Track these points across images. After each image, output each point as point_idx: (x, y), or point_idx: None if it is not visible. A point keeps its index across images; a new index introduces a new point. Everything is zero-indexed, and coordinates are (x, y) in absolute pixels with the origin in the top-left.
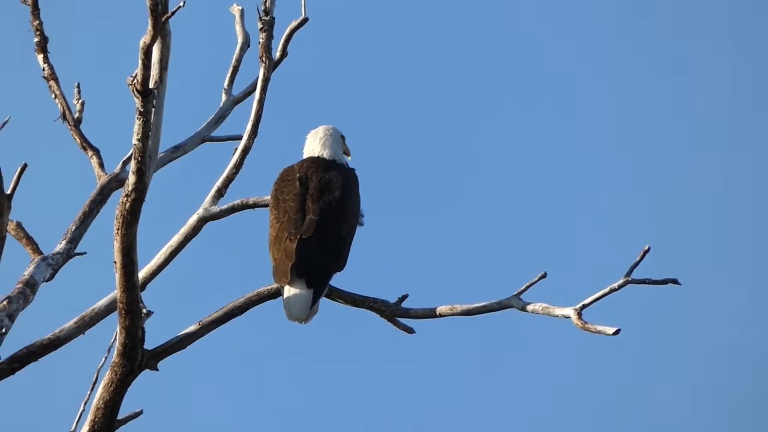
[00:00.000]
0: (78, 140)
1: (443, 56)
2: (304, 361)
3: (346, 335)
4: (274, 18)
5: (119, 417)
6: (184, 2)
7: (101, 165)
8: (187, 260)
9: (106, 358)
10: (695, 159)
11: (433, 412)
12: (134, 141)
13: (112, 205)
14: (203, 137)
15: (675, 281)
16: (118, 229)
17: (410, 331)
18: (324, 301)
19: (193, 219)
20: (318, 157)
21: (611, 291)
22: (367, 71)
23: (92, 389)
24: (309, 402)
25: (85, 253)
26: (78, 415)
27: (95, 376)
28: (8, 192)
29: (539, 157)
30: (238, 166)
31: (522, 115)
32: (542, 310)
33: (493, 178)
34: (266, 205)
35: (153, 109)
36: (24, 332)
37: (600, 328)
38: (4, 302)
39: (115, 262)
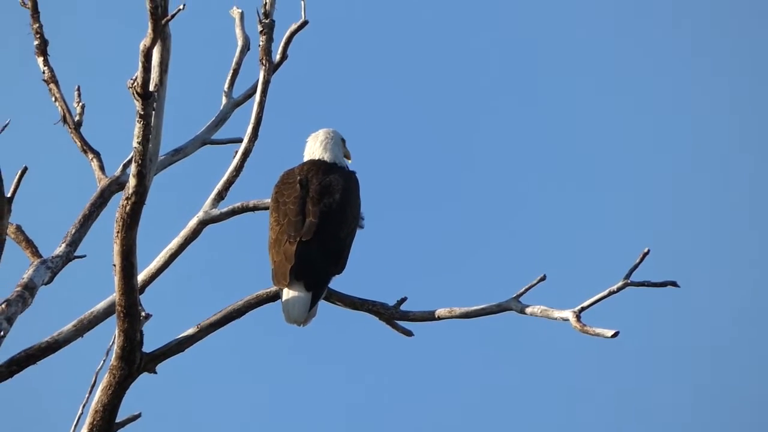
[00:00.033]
0: (78, 143)
1: (443, 56)
2: (302, 363)
3: (345, 338)
4: (274, 21)
5: (117, 420)
6: (184, 5)
7: (102, 168)
8: (186, 263)
9: (104, 361)
10: (695, 159)
11: (433, 415)
12: (134, 144)
13: (112, 208)
14: (204, 140)
15: (674, 284)
16: (117, 232)
17: (409, 333)
18: (323, 304)
19: (193, 222)
20: (318, 160)
21: (610, 293)
22: (367, 73)
23: (90, 392)
24: (308, 404)
25: (84, 256)
26: (76, 418)
27: (94, 379)
28: (8, 195)
29: (538, 158)
30: (239, 169)
31: (522, 115)
32: (541, 312)
33: (491, 180)
34: (266, 208)
35: (153, 112)
36: (23, 335)
37: (599, 330)
38: (3, 305)
39: (114, 265)
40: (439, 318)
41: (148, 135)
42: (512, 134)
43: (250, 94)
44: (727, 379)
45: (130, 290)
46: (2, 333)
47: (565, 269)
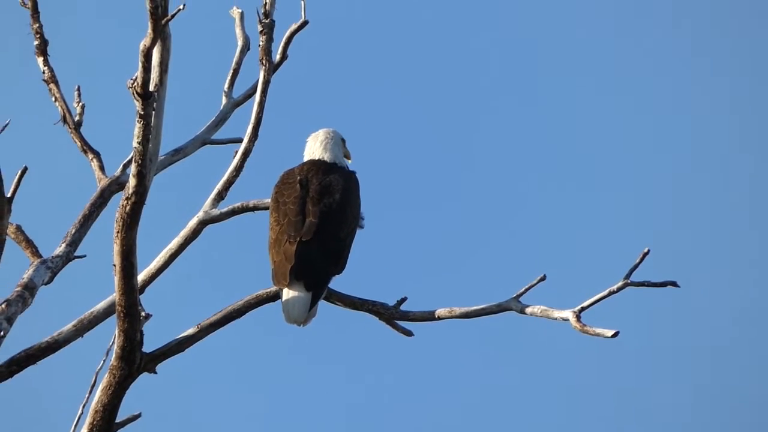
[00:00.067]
0: (78, 143)
1: (443, 57)
2: (302, 363)
3: (345, 338)
4: (274, 21)
5: (117, 420)
6: (184, 5)
7: (102, 168)
8: (186, 263)
9: (104, 361)
10: (695, 159)
11: (433, 415)
12: (135, 144)
13: (112, 208)
14: (204, 140)
15: (674, 284)
16: (117, 232)
17: (409, 333)
18: (323, 304)
19: (192, 222)
20: (319, 160)
21: (610, 293)
22: (367, 74)
23: (90, 392)
24: (308, 405)
25: (84, 256)
26: (76, 418)
27: (94, 379)
28: (8, 195)
29: (538, 158)
30: (239, 169)
31: (522, 115)
32: (541, 312)
33: (491, 180)
34: (266, 208)
35: (153, 112)
36: (23, 335)
37: (599, 330)
38: (3, 305)
39: (114, 265)
40: (439, 318)
41: (148, 135)
42: (512, 134)
43: (250, 94)
44: (727, 379)
45: (130, 290)
46: (2, 333)
47: (565, 269)
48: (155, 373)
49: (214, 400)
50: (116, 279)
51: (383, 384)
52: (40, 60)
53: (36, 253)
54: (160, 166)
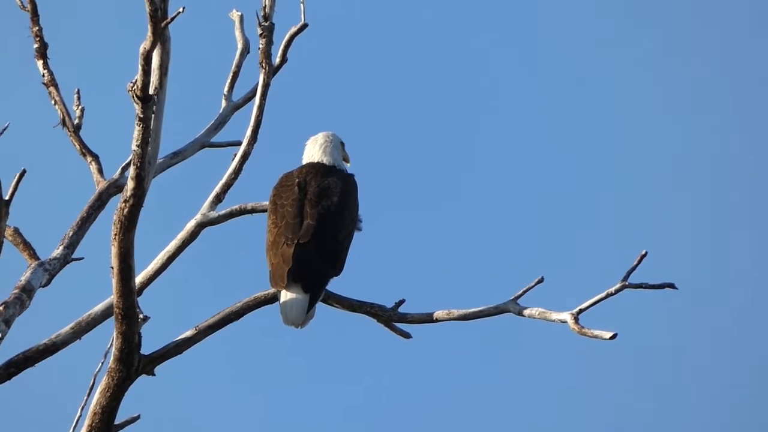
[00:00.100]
0: (77, 146)
1: (443, 57)
2: (301, 365)
3: (343, 340)
4: (273, 24)
5: (116, 422)
6: (184, 8)
7: (100, 171)
8: (184, 265)
9: (102, 363)
10: (695, 159)
11: (431, 417)
12: (133, 147)
13: (110, 211)
14: (203, 143)
15: (672, 286)
16: (115, 234)
17: (407, 336)
18: (321, 306)
19: (190, 224)
20: (317, 162)
21: (608, 295)
22: (367, 76)
23: (89, 394)
24: (306, 406)
25: (82, 258)
26: (75, 420)
27: (92, 381)
28: (6, 197)
29: (537, 158)
30: (237, 171)
31: (522, 115)
32: (539, 314)
33: (490, 181)
34: (264, 211)
35: (153, 115)
36: (20, 337)
37: (597, 332)
38: (1, 307)
39: (112, 268)
40: (437, 320)
41: (148, 138)
42: (512, 134)
43: (250, 97)
44: (725, 380)
45: (128, 292)
46: (0, 335)
47: (563, 271)
48: (153, 375)
49: (212, 402)
50: (114, 281)
51: (381, 386)
52: (40, 63)
53: (34, 255)
54: (159, 169)
